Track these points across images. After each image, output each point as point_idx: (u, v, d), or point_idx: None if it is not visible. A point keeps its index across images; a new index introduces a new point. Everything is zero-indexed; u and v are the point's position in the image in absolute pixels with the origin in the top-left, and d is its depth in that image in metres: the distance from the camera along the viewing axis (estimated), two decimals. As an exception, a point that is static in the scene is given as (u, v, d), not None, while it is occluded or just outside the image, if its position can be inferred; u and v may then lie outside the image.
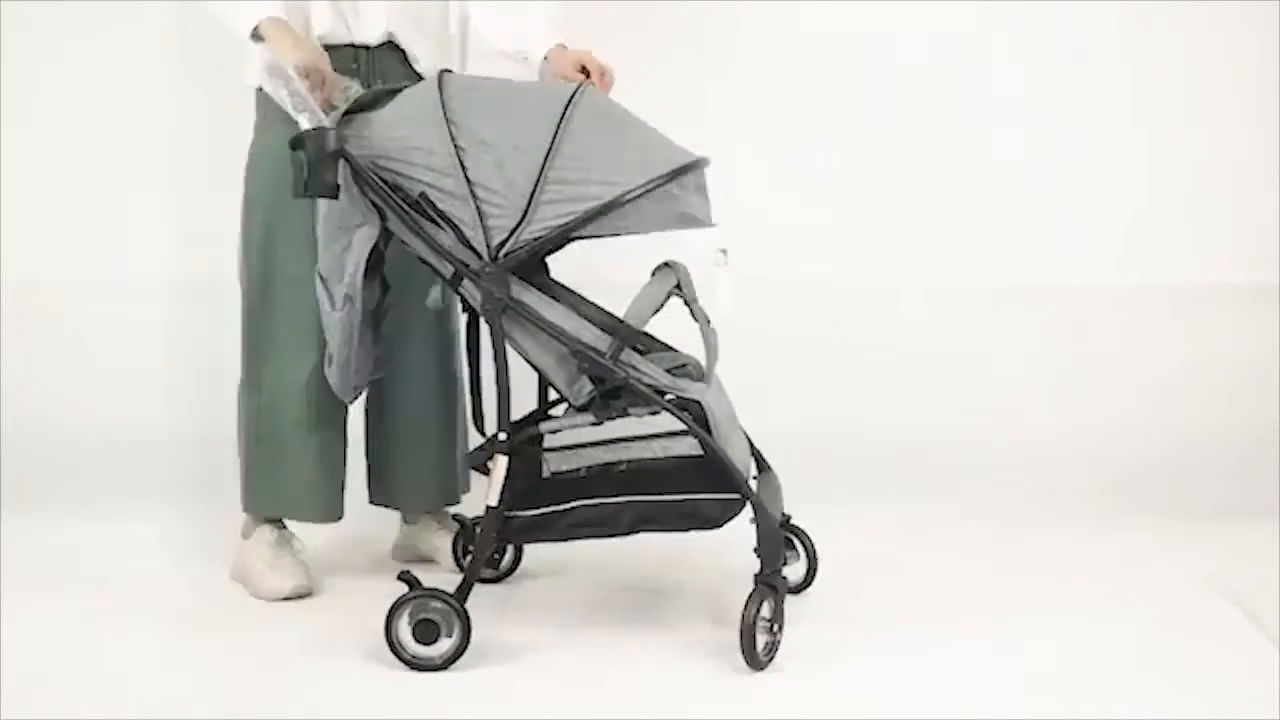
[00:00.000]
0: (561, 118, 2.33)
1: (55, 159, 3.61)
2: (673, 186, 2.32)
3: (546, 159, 2.31)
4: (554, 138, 2.31)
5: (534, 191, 2.30)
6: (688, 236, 2.39)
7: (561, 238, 2.41)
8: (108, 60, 3.60)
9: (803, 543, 2.73)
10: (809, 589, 2.72)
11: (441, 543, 2.88)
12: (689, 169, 2.34)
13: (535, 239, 2.32)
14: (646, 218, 2.33)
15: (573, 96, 2.36)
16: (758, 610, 2.33)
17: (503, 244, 2.32)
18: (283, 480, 2.69)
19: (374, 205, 2.37)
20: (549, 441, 2.37)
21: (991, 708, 2.23)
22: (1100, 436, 3.51)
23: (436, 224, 2.35)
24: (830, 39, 3.61)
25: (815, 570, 2.73)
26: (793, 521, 2.73)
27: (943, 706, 2.25)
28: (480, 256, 2.34)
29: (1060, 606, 2.70)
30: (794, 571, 2.71)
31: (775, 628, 2.35)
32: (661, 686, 2.32)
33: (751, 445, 2.59)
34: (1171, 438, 3.47)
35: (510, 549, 2.85)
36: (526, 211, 2.31)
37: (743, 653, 2.33)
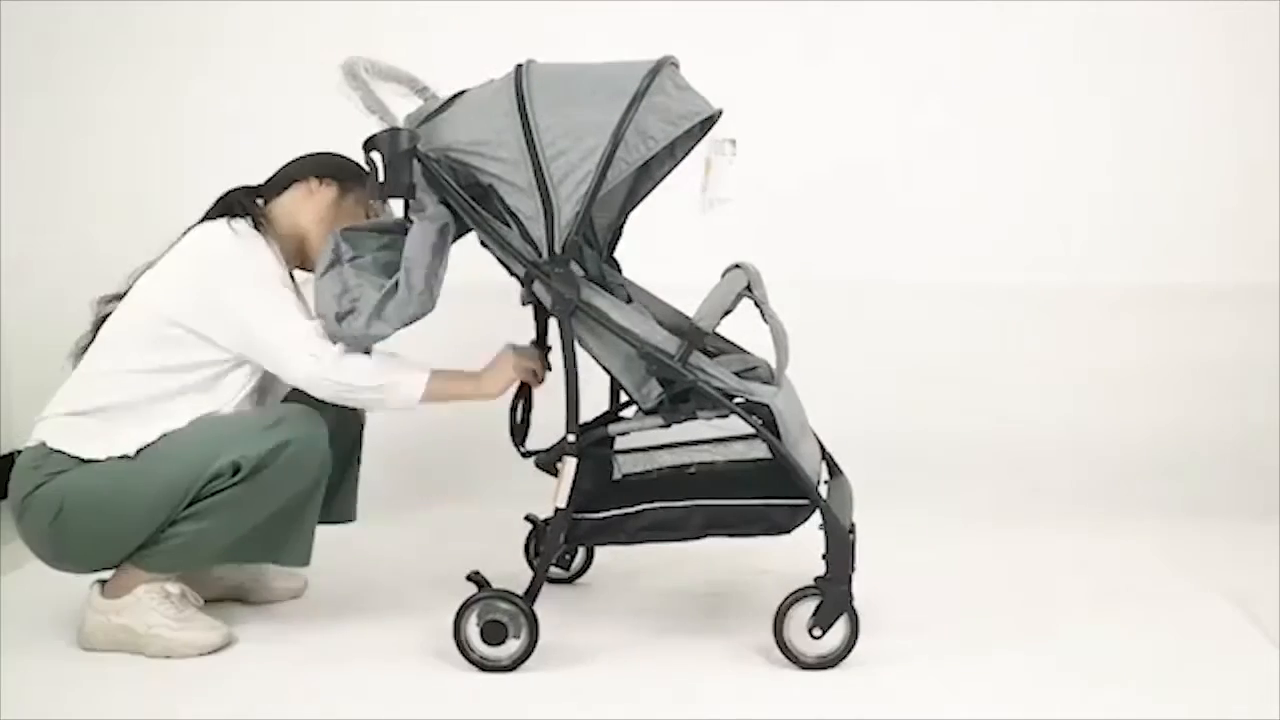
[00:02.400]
0: (520, 105, 2.36)
1: (52, 159, 3.63)
2: (655, 96, 2.37)
3: (531, 146, 2.34)
4: (523, 124, 2.35)
5: (544, 181, 2.33)
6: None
7: (607, 209, 2.48)
8: (104, 60, 3.63)
9: None
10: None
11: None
12: (657, 72, 2.39)
13: (575, 217, 2.33)
14: (651, 134, 2.37)
15: (517, 82, 2.39)
16: (789, 606, 2.41)
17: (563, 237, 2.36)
18: None
19: (445, 204, 2.40)
20: (620, 444, 2.41)
21: (989, 708, 2.30)
22: (1100, 437, 3.59)
23: (502, 220, 2.39)
24: (835, 40, 3.67)
25: None
26: (854, 531, 2.76)
27: (941, 707, 2.32)
28: (540, 252, 2.36)
29: (1059, 607, 2.78)
30: None
31: (818, 631, 2.40)
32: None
33: (824, 450, 2.64)
34: (1171, 438, 3.55)
35: (581, 550, 2.89)
36: (549, 202, 2.34)
37: (778, 648, 2.41)
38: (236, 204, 2.62)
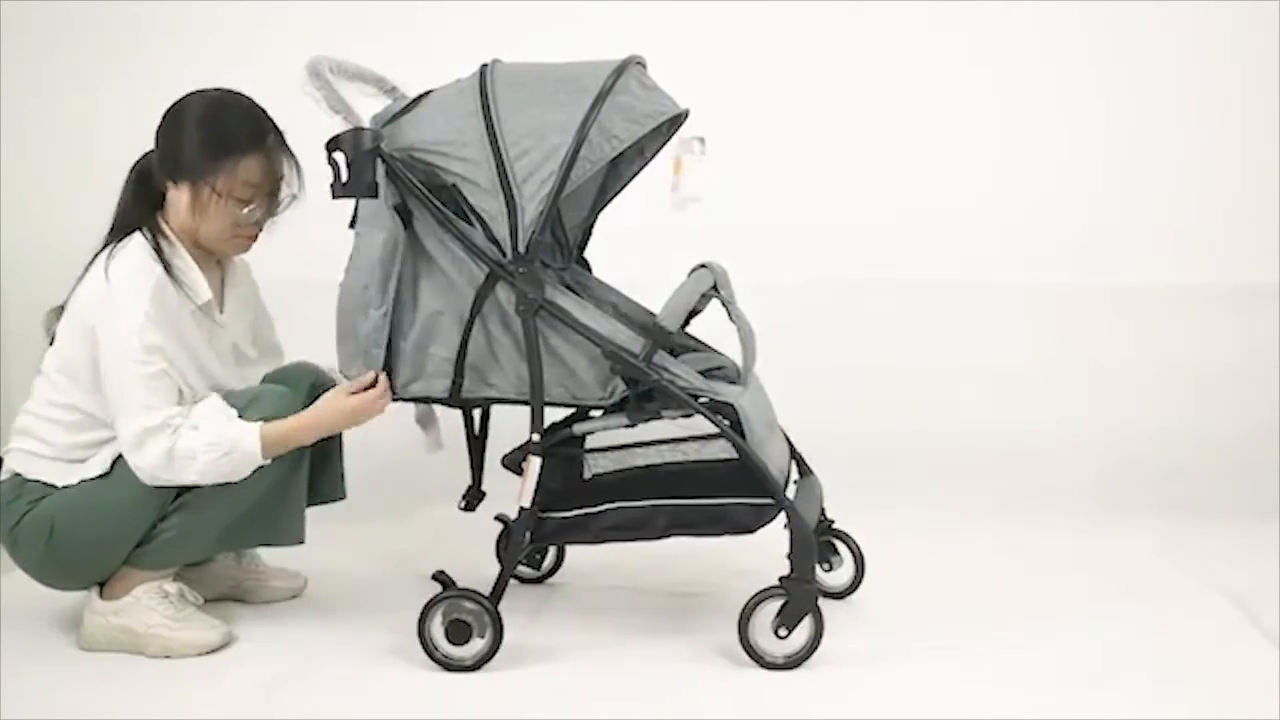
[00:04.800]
0: (484, 105, 2.36)
1: (52, 157, 3.67)
2: (619, 96, 2.36)
3: (494, 145, 2.34)
4: (487, 124, 2.34)
5: (507, 181, 2.33)
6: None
7: (576, 208, 2.47)
8: (107, 60, 3.65)
9: (849, 547, 2.78)
10: (854, 593, 2.79)
11: None
12: (621, 71, 2.38)
13: (539, 216, 2.33)
14: (615, 133, 2.36)
15: (482, 82, 2.39)
16: (754, 607, 2.40)
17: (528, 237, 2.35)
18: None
19: (398, 209, 2.38)
20: (590, 443, 2.40)
21: (989, 708, 2.29)
22: (1100, 437, 3.57)
23: (467, 220, 2.38)
24: (834, 39, 3.67)
25: (862, 574, 2.78)
26: (835, 526, 2.78)
27: (940, 707, 2.30)
28: (505, 253, 2.36)
29: (1059, 607, 2.76)
30: (841, 576, 2.79)
31: (783, 631, 2.40)
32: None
33: (793, 449, 2.64)
34: (1171, 438, 3.53)
35: (552, 550, 2.89)
36: (512, 201, 2.33)
37: (742, 648, 2.41)
38: (134, 217, 2.53)
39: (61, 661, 2.52)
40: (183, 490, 2.47)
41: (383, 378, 2.46)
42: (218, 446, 2.42)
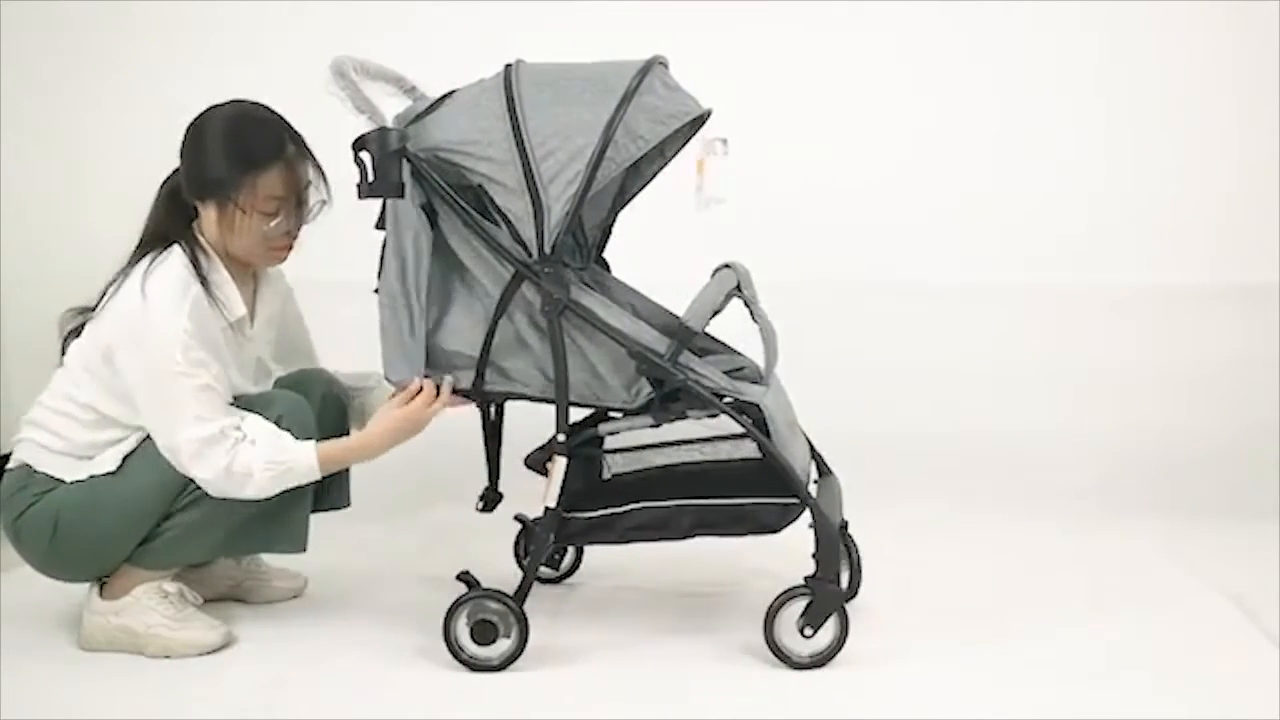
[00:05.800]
0: (509, 106, 2.35)
1: (52, 158, 3.66)
2: (644, 96, 2.36)
3: (520, 146, 2.33)
4: (513, 124, 2.34)
5: (533, 181, 2.32)
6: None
7: (596, 208, 2.49)
8: (107, 60, 3.64)
9: (849, 551, 2.76)
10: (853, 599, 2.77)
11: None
12: (646, 71, 2.38)
13: (565, 216, 2.32)
14: (640, 133, 2.36)
15: (507, 82, 2.38)
16: (779, 606, 2.41)
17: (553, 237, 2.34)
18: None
19: (423, 208, 2.37)
20: (610, 443, 2.41)
21: (989, 708, 2.29)
22: (1099, 437, 3.58)
23: (492, 220, 2.37)
24: (834, 39, 3.67)
25: (859, 580, 2.77)
26: (848, 529, 2.77)
27: (940, 707, 2.31)
28: (530, 253, 2.35)
29: (1059, 607, 2.77)
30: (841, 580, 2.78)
31: (809, 630, 2.40)
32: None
33: (813, 449, 2.64)
34: (1171, 438, 3.54)
35: (571, 550, 2.89)
36: (539, 202, 2.33)
37: (768, 647, 2.41)
38: (171, 229, 2.52)
39: (61, 661, 2.51)
40: (188, 490, 2.47)
41: (428, 383, 2.45)
42: (275, 465, 2.43)
